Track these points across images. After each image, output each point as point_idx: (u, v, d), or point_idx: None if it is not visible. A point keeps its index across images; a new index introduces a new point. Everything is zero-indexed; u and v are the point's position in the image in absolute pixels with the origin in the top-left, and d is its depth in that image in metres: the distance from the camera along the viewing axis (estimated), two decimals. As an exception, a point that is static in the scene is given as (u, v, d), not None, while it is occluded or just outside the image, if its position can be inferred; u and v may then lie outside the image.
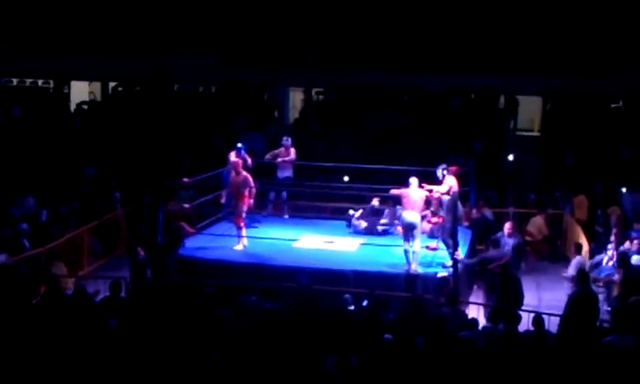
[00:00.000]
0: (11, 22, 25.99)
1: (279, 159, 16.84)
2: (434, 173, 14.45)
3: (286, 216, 17.29)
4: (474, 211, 16.68)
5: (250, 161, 16.12)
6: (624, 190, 18.56)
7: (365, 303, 11.80)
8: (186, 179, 16.08)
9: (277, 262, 13.92)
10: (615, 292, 13.27)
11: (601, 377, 9.04)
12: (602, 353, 9.49)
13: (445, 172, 14.25)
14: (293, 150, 16.97)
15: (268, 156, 16.85)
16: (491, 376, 9.09)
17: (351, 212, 16.54)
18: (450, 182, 14.02)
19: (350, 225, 16.40)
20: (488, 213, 17.64)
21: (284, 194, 17.29)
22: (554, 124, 23.94)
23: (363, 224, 16.13)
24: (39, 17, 26.11)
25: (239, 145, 16.23)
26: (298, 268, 13.19)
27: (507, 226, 14.55)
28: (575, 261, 14.24)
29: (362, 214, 16.30)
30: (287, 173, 16.97)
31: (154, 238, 14.12)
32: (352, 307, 11.68)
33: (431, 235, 15.00)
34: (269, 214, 17.29)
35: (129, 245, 16.10)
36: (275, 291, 12.20)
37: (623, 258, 13.69)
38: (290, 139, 17.06)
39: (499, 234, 14.63)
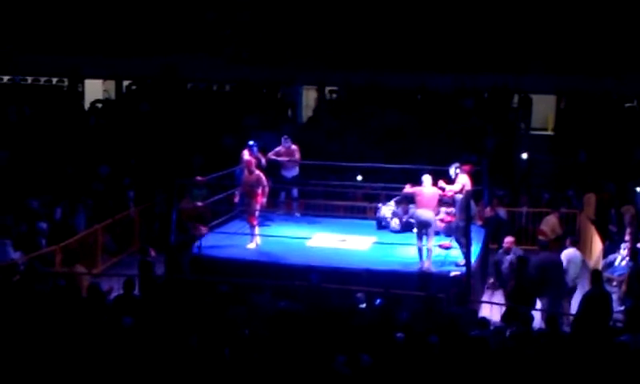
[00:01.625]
0: (25, 20, 26.10)
1: (282, 159, 16.77)
2: (447, 171, 14.44)
3: (297, 214, 17.29)
4: (488, 210, 16.65)
5: (263, 160, 16.17)
6: (638, 189, 18.47)
7: (378, 302, 11.80)
8: (199, 178, 16.11)
9: (290, 260, 13.93)
10: (623, 287, 13.22)
11: (614, 377, 9.01)
12: (615, 352, 9.46)
13: (458, 170, 14.24)
14: (296, 149, 16.87)
15: (271, 155, 16.81)
16: (503, 375, 9.08)
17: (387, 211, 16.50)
18: (463, 181, 14.00)
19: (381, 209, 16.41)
20: (502, 212, 17.61)
21: (294, 192, 17.27)
22: (568, 123, 23.86)
23: (391, 208, 16.05)
24: (54, 16, 26.21)
25: (251, 143, 16.26)
26: (311, 267, 13.21)
27: (506, 241, 14.33)
28: (564, 254, 13.97)
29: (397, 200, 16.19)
30: (294, 172, 16.92)
31: (168, 236, 14.16)
32: (364, 305, 11.69)
33: (447, 234, 14.95)
34: (283, 212, 17.29)
35: (142, 243, 16.17)
36: (288, 290, 12.22)
37: (635, 253, 13.67)
38: (289, 139, 16.94)
39: (499, 252, 14.39)
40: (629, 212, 17.04)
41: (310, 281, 12.21)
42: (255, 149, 16.12)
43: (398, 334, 9.69)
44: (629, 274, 13.34)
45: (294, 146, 16.82)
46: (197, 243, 14.39)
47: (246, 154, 15.92)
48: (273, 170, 16.80)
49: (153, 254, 13.56)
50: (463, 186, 13.92)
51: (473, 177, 14.51)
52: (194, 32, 25.70)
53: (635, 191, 18.45)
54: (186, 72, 25.34)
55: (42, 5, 26.28)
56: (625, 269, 14.06)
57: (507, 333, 10.69)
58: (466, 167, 14.49)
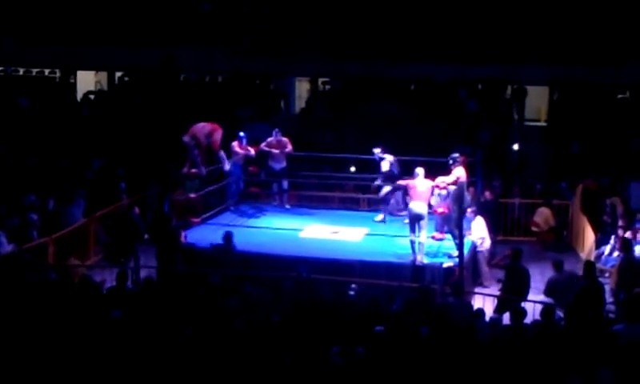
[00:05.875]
0: (18, 12, 25.97)
1: (273, 150, 16.77)
2: (440, 163, 14.42)
3: (287, 206, 17.27)
4: (487, 194, 16.68)
5: (252, 151, 16.32)
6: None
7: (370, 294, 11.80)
8: (192, 169, 16.10)
9: (283, 251, 13.92)
10: (614, 278, 13.25)
11: (608, 367, 9.02)
12: (609, 343, 9.47)
13: (454, 162, 14.12)
14: (287, 141, 16.84)
15: (263, 146, 16.82)
16: (497, 366, 9.08)
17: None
18: (458, 173, 13.95)
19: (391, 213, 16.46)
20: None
21: (284, 184, 17.27)
22: (561, 114, 23.88)
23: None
24: (46, 7, 26.08)
25: (241, 134, 16.47)
26: (304, 258, 13.22)
27: None
28: (473, 224, 14.98)
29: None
30: (283, 164, 16.90)
31: (160, 228, 14.17)
32: (352, 293, 11.72)
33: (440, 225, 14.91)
34: (278, 204, 17.28)
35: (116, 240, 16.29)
36: (279, 281, 12.21)
37: (626, 243, 13.71)
38: (280, 132, 16.96)
39: None
40: (616, 203, 17.02)
41: (299, 273, 12.19)
42: (244, 140, 16.34)
43: (377, 328, 9.65)
44: (619, 265, 13.37)
45: (284, 138, 16.84)
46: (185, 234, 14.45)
47: (236, 146, 16.24)
48: (262, 161, 16.87)
49: (137, 210, 14.34)
50: (458, 178, 13.88)
51: (468, 168, 14.49)
52: (188, 22, 25.58)
53: (628, 183, 18.41)
54: (181, 62, 25.23)
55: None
56: (617, 260, 14.09)
57: (502, 324, 10.72)
58: (462, 158, 14.47)
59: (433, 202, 14.35)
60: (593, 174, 18.65)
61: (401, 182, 14.42)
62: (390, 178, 15.79)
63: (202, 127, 15.40)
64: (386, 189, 15.92)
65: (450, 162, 14.03)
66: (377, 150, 16.11)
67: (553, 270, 13.06)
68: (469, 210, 14.85)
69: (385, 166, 15.93)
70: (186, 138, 15.24)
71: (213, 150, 15.60)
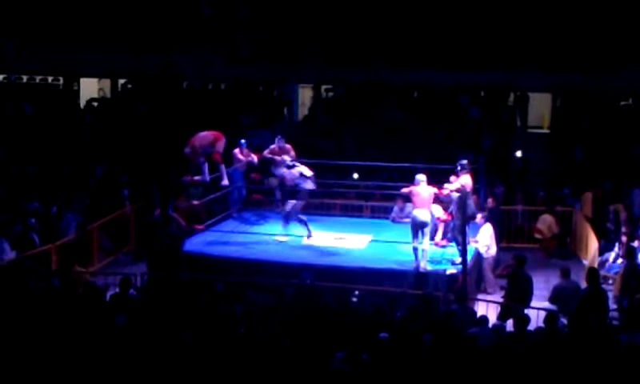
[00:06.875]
0: (21, 18, 26.02)
1: (277, 157, 16.74)
2: (442, 170, 14.40)
3: None
4: (490, 201, 16.63)
5: (255, 158, 16.36)
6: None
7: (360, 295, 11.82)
8: (196, 177, 16.11)
9: (285, 258, 13.92)
10: (618, 285, 13.25)
11: (612, 374, 9.02)
12: (612, 350, 9.47)
13: (462, 168, 14.05)
14: (290, 148, 16.80)
15: (266, 153, 16.80)
16: (500, 372, 9.08)
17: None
18: (464, 180, 13.91)
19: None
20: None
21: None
22: (564, 121, 23.89)
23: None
24: (48, 14, 26.12)
25: (242, 141, 16.59)
26: (307, 265, 13.22)
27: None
28: (482, 229, 15.00)
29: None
30: None
31: (164, 235, 14.17)
32: (355, 299, 11.72)
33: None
34: (280, 210, 17.28)
35: (138, 241, 16.24)
36: (283, 288, 12.22)
37: (630, 250, 13.71)
38: (283, 139, 16.94)
39: None
40: (619, 210, 17.02)
41: (302, 280, 12.20)
42: (245, 147, 16.49)
43: (382, 334, 9.66)
44: (623, 272, 13.37)
45: (287, 145, 16.84)
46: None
47: (237, 153, 16.35)
48: (265, 168, 16.87)
49: (157, 212, 14.53)
50: (463, 186, 13.83)
51: (473, 175, 14.47)
52: (190, 29, 25.60)
53: (631, 190, 18.43)
54: (182, 69, 25.26)
55: (37, 3, 26.17)
56: (620, 267, 14.09)
57: (505, 331, 10.72)
58: (469, 165, 14.45)
59: None
60: (598, 182, 18.68)
61: (404, 190, 14.40)
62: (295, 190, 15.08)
63: (205, 136, 15.36)
64: (292, 203, 15.16)
65: (459, 168, 13.99)
66: (287, 158, 15.40)
67: (559, 277, 13.05)
68: (478, 216, 14.79)
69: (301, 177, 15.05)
70: (187, 150, 15.24)
71: (214, 160, 15.60)
